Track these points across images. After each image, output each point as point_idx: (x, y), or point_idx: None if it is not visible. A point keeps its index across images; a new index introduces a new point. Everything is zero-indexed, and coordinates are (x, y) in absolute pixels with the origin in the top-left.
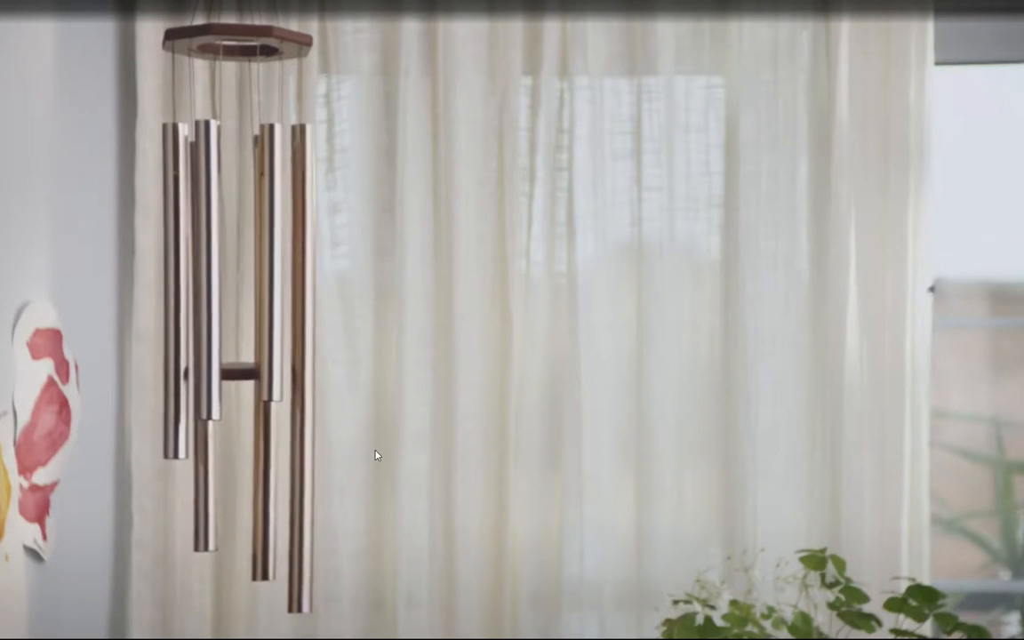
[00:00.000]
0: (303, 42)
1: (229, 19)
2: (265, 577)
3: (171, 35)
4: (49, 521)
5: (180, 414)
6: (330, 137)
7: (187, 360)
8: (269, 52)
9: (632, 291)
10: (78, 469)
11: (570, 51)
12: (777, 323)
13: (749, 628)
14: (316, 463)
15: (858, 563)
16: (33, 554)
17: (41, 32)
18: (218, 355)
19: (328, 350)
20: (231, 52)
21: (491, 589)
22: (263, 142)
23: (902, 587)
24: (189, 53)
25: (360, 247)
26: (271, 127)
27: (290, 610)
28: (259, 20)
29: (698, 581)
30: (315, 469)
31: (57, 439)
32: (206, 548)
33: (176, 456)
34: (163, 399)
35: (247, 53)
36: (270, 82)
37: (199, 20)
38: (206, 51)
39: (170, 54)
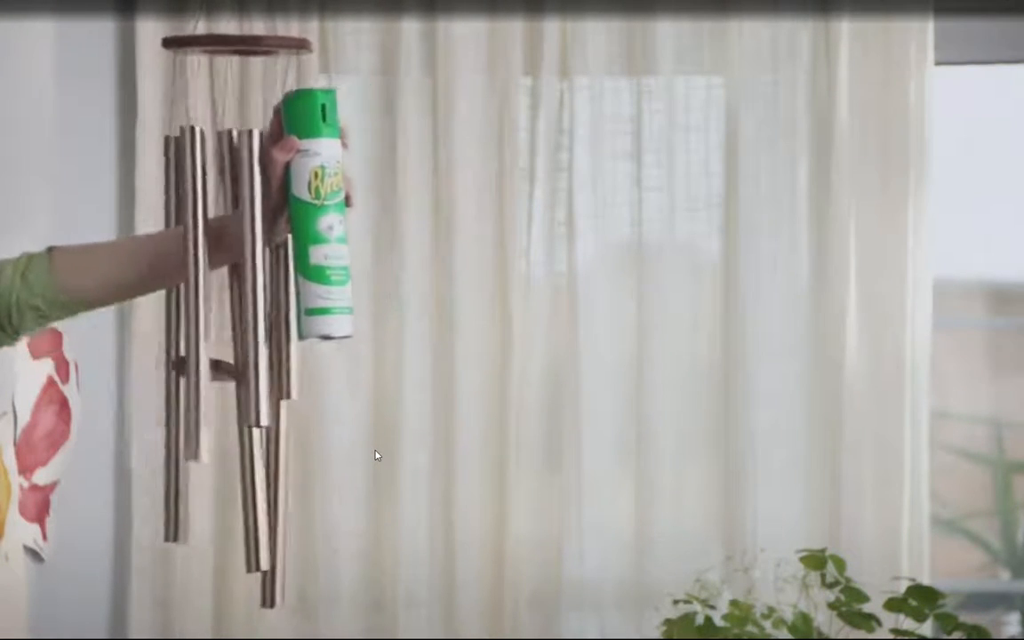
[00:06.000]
0: (302, 47)
1: (228, 17)
2: (258, 569)
3: (168, 44)
4: (49, 521)
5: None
6: None
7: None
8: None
9: (632, 291)
10: (78, 469)
11: (570, 51)
12: (777, 323)
13: (749, 628)
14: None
15: (858, 563)
16: (33, 554)
17: (41, 32)
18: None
19: (327, 350)
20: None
21: (491, 589)
22: (244, 147)
23: (902, 587)
24: (188, 51)
25: (360, 247)
26: (249, 132)
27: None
28: (258, 19)
29: (698, 581)
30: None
31: (57, 439)
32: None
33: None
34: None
35: (246, 50)
36: (270, 82)
37: (199, 20)
38: (205, 49)
39: (170, 54)
